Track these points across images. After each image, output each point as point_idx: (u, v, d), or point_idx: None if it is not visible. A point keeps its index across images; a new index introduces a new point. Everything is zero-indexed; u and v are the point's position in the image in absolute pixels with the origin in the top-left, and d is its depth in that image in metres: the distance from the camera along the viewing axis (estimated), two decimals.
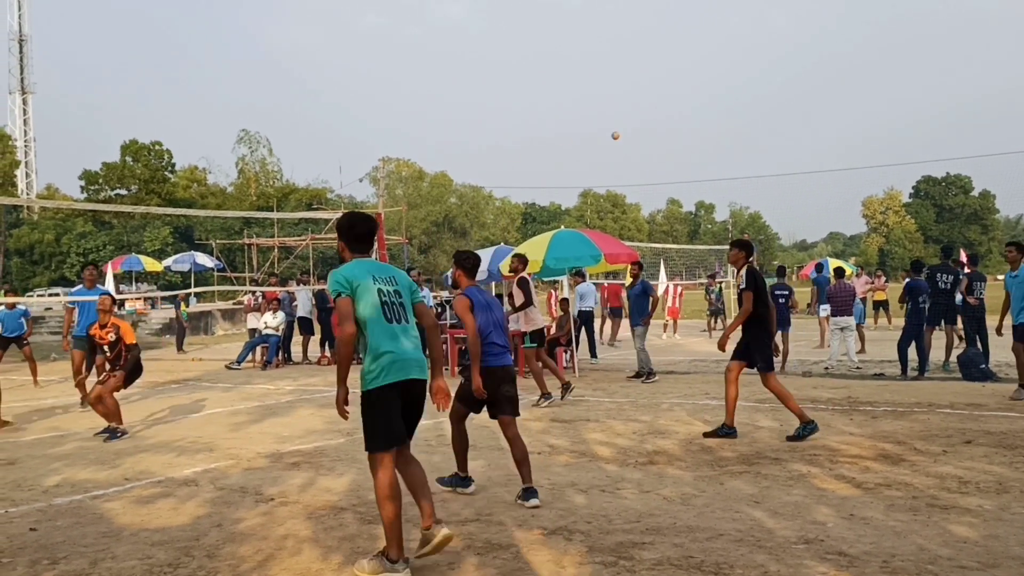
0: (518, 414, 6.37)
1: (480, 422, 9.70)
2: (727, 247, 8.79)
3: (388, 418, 4.60)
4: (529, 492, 6.01)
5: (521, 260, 12.06)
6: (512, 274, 12.16)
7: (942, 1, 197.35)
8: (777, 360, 14.23)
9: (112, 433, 9.22)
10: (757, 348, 8.37)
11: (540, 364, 11.40)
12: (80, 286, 12.32)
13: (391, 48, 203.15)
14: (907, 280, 13.90)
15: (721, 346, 8.51)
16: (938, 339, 14.10)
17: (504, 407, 6.28)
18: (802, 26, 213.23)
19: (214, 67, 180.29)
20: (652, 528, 5.31)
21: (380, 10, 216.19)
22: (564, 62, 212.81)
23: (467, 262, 6.79)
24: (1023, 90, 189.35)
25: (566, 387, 11.20)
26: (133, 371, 9.68)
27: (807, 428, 8.18)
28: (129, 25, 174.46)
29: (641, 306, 13.79)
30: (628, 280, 15.56)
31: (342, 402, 4.61)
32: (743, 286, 8.38)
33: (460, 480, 6.47)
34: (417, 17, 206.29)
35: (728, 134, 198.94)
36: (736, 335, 8.56)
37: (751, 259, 8.71)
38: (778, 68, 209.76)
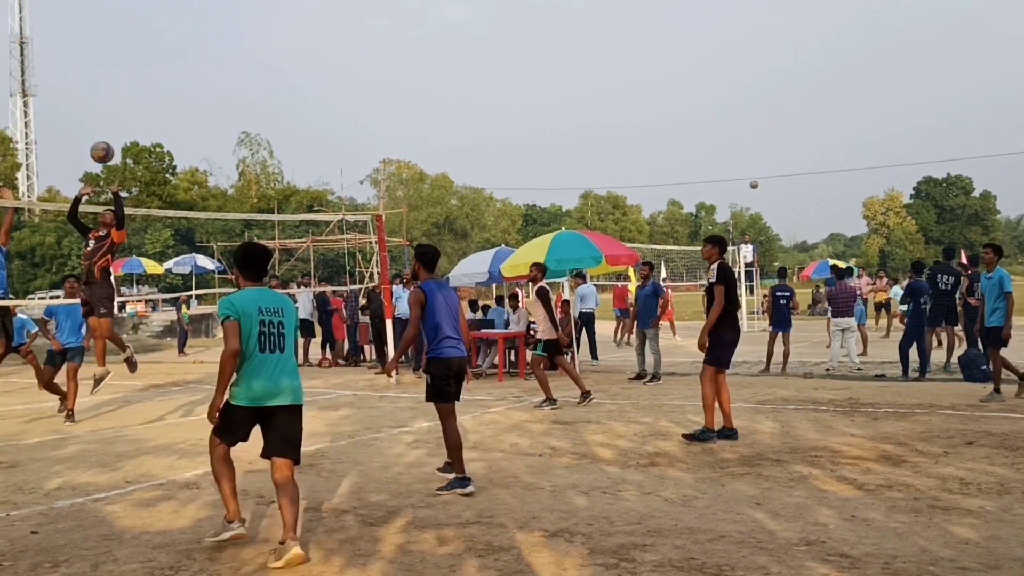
0: (459, 399, 6.85)
1: (483, 422, 9.71)
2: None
3: (235, 429, 5.18)
4: (463, 481, 6.44)
5: (540, 269, 11.93)
6: (531, 283, 12.07)
7: (942, 5, 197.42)
8: (777, 364, 14.31)
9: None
10: (714, 342, 8.38)
11: (554, 370, 11.44)
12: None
13: (392, 50, 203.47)
14: (907, 282, 13.90)
15: (701, 346, 8.46)
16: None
17: (456, 396, 6.79)
18: (805, 29, 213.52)
19: (214, 69, 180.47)
20: (653, 530, 5.31)
21: (381, 12, 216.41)
22: (566, 64, 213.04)
23: (425, 256, 6.99)
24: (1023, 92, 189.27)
25: (585, 395, 11.13)
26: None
27: (705, 434, 8.23)
28: (129, 28, 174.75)
29: (651, 307, 13.74)
30: (638, 281, 15.57)
31: (215, 410, 5.10)
32: (714, 280, 8.40)
33: (459, 482, 6.47)
34: (418, 19, 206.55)
35: (729, 136, 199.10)
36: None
37: (724, 255, 8.75)
38: (780, 71, 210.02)
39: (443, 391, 6.66)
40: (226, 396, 5.06)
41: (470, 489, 6.40)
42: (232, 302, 5.10)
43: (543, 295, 11.21)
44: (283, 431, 5.10)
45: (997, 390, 10.39)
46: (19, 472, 7.73)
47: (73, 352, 11.16)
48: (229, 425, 5.15)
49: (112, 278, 10.46)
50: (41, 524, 5.83)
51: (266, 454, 5.13)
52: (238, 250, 5.49)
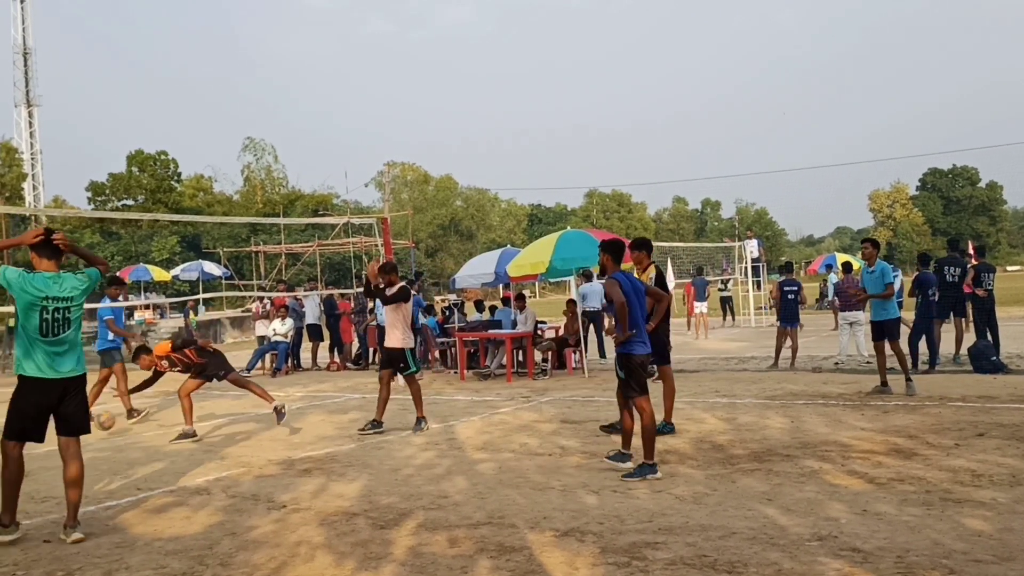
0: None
1: (493, 423, 9.70)
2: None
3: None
4: (652, 468, 6.74)
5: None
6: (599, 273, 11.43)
7: None
8: (786, 359, 14.28)
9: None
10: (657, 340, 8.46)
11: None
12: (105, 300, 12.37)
13: (396, 53, 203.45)
14: (916, 273, 13.88)
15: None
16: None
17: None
18: (808, 21, 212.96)
19: (218, 75, 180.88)
20: (665, 528, 5.30)
21: (385, 16, 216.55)
22: (568, 63, 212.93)
23: (613, 248, 7.34)
24: None
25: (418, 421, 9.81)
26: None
27: (666, 427, 8.49)
28: (131, 36, 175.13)
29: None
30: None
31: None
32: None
33: (649, 468, 6.70)
34: (422, 22, 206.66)
35: (733, 131, 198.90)
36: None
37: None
38: (783, 64, 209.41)
39: (638, 383, 6.95)
40: None
41: (659, 475, 6.65)
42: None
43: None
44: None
45: (884, 384, 10.66)
46: (31, 481, 7.74)
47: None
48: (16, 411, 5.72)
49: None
50: (54, 533, 5.85)
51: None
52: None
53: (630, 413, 7.12)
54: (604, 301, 19.01)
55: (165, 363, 9.77)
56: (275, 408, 9.64)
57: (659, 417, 8.02)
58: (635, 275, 7.88)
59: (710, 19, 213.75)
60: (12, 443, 5.67)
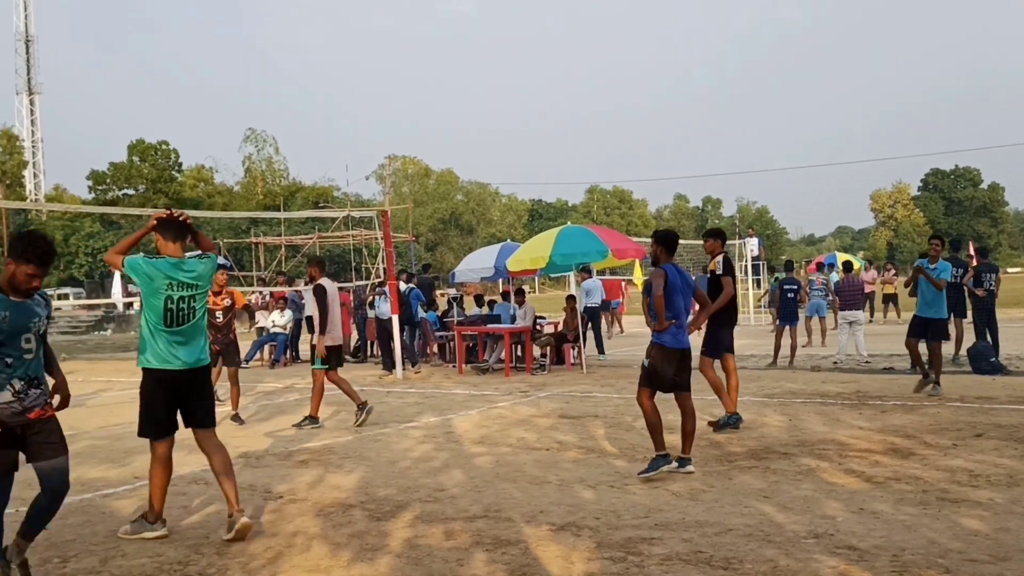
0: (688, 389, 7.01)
1: (490, 417, 9.70)
2: (733, 241, 9.12)
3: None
4: (666, 458, 6.63)
5: (318, 265, 10.14)
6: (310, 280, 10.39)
7: None
8: (785, 357, 14.29)
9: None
10: (714, 332, 8.55)
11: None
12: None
13: (397, 45, 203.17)
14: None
15: (697, 325, 8.49)
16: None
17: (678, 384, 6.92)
18: (809, 13, 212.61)
19: (220, 66, 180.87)
20: (661, 523, 5.30)
21: (387, 8, 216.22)
22: (569, 55, 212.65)
23: (667, 240, 7.16)
24: None
25: (361, 407, 9.62)
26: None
27: (732, 418, 8.45)
28: (133, 25, 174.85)
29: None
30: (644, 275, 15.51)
31: None
32: (721, 272, 8.66)
33: (662, 459, 6.60)
34: (425, 15, 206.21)
35: (734, 127, 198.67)
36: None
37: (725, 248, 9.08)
38: (784, 58, 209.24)
39: (654, 379, 6.78)
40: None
41: (675, 466, 6.60)
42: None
43: (319, 293, 9.68)
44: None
45: (926, 375, 10.54)
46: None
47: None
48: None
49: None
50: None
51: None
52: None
53: (686, 411, 6.88)
54: (604, 297, 19.02)
55: (223, 302, 10.50)
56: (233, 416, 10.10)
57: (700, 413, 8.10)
58: (639, 273, 7.89)
59: (714, 14, 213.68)
60: (157, 442, 5.39)
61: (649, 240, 7.38)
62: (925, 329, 10.63)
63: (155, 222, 5.42)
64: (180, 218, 5.44)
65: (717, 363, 8.76)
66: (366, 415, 9.49)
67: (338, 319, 9.85)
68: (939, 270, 10.60)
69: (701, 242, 10.80)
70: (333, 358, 9.67)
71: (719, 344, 8.75)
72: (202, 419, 5.49)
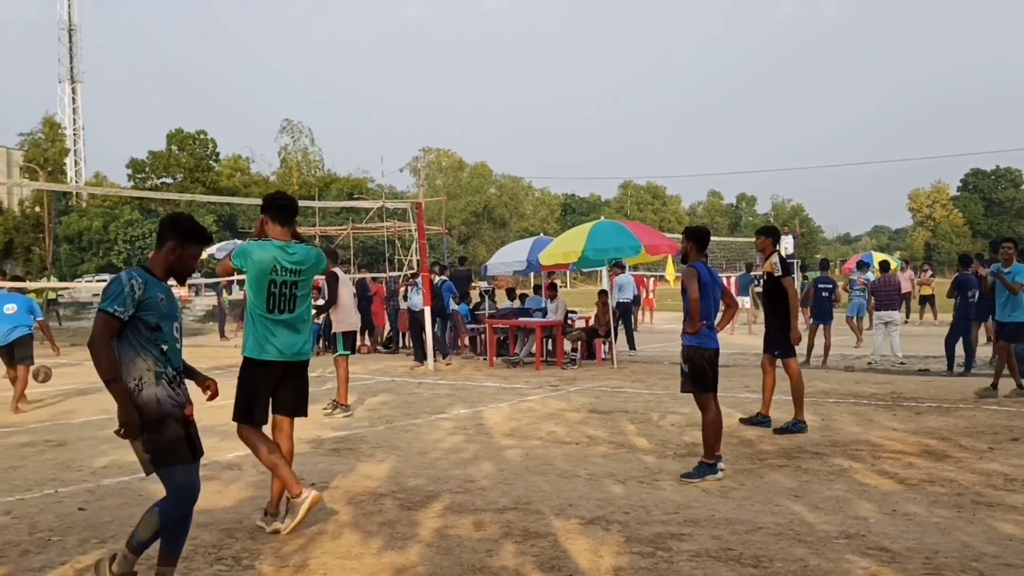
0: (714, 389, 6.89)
1: (521, 410, 9.73)
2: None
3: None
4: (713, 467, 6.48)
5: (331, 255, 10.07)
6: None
7: None
8: (818, 356, 14.16)
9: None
10: (785, 332, 8.42)
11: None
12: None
13: (434, 38, 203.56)
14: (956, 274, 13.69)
15: (797, 339, 8.45)
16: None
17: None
18: (848, 7, 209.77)
19: (257, 56, 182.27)
20: (690, 520, 5.30)
21: (424, 2, 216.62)
22: (608, 51, 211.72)
23: (698, 236, 6.98)
24: None
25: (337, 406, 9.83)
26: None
27: (797, 425, 8.21)
28: (173, 16, 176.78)
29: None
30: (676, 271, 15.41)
31: None
32: (779, 273, 8.39)
33: (708, 467, 6.44)
34: (462, 7, 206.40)
35: (771, 124, 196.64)
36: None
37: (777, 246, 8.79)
38: (821, 53, 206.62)
39: (701, 380, 6.65)
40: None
41: (719, 476, 6.38)
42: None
43: (331, 279, 9.91)
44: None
45: (994, 386, 10.29)
46: (67, 450, 7.91)
47: None
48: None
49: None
50: (88, 501, 5.97)
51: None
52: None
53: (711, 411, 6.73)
54: (636, 293, 18.96)
55: None
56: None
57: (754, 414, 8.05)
58: (671, 269, 7.82)
59: (753, 5, 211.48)
60: (246, 427, 5.25)
61: (681, 236, 7.21)
62: (1006, 333, 10.46)
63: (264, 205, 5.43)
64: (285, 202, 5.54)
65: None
66: (339, 413, 9.64)
67: (349, 306, 10.04)
68: (1013, 273, 10.42)
69: (734, 239, 10.70)
70: (348, 344, 9.92)
71: (789, 343, 8.51)
72: (287, 409, 5.41)
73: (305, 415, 5.55)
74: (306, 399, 5.52)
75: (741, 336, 21.16)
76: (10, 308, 10.53)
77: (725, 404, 9.87)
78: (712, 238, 7.86)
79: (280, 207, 5.42)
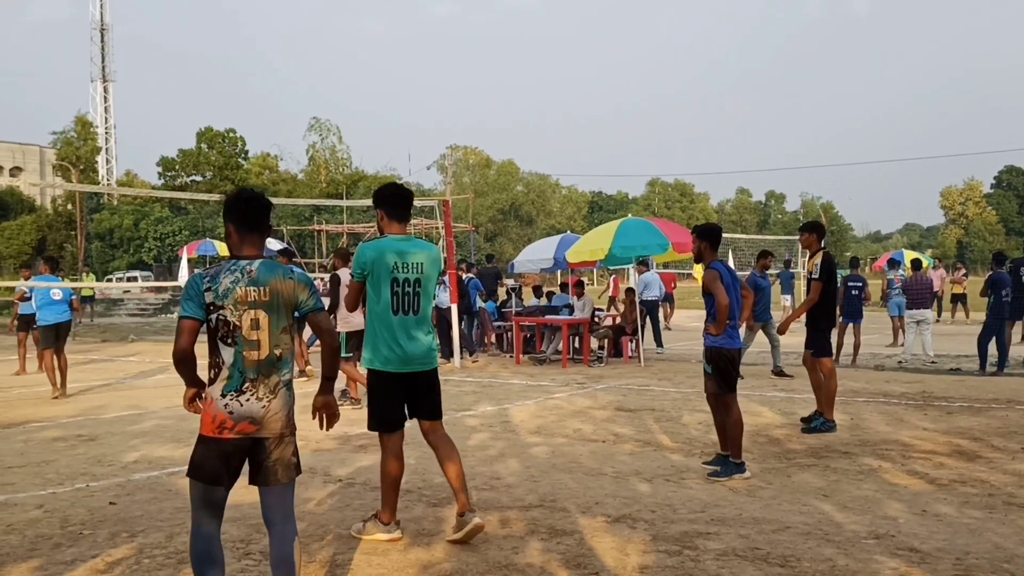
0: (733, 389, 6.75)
1: (547, 408, 9.72)
2: (794, 237, 8.82)
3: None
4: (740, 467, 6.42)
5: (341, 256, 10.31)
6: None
7: None
8: (847, 355, 14.01)
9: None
10: (824, 332, 8.41)
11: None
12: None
13: (461, 35, 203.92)
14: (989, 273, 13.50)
15: (783, 329, 8.51)
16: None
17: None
18: (877, 4, 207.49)
19: (285, 55, 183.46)
20: (717, 519, 5.27)
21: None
22: (634, 49, 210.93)
23: (711, 235, 6.85)
24: None
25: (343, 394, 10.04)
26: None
27: (825, 424, 8.10)
28: (204, 16, 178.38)
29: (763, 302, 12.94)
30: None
31: None
32: (816, 276, 8.28)
33: (736, 467, 6.38)
34: (487, 4, 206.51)
35: (800, 121, 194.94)
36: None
37: (824, 244, 8.64)
38: (849, 50, 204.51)
39: (726, 380, 6.56)
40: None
41: (747, 475, 6.31)
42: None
43: (333, 281, 9.98)
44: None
45: None
46: (98, 445, 8.02)
47: None
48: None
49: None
50: (119, 495, 6.05)
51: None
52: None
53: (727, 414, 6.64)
54: (663, 290, 18.85)
55: None
56: None
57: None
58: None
59: (784, 5, 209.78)
60: (387, 436, 4.94)
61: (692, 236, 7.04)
62: None
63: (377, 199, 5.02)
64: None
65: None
66: (348, 404, 9.76)
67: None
68: None
69: (763, 237, 10.59)
70: (352, 345, 9.78)
71: (828, 344, 8.48)
72: (426, 413, 5.05)
73: (442, 414, 5.18)
74: (439, 399, 5.18)
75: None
76: (56, 293, 11.23)
77: (753, 402, 9.85)
78: (741, 236, 7.80)
79: (395, 201, 5.02)
